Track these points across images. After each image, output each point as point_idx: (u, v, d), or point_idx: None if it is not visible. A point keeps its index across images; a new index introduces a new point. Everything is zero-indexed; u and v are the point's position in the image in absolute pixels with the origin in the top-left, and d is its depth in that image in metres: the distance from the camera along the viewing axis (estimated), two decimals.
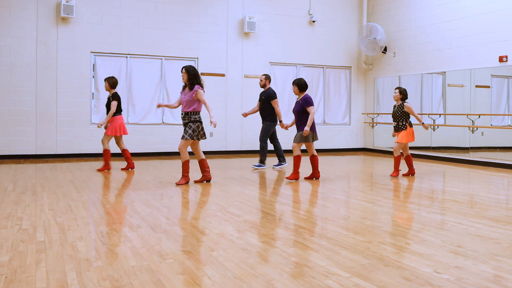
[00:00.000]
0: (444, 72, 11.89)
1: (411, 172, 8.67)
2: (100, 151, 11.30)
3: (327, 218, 5.25)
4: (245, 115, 9.71)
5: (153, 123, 11.94)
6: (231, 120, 12.62)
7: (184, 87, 7.32)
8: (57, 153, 11.01)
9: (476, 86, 11.27)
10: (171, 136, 11.89)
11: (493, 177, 9.04)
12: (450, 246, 4.13)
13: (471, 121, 10.94)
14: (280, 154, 9.59)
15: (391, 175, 8.53)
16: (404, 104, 8.36)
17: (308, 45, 13.45)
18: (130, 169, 9.10)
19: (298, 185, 7.63)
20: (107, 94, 11.48)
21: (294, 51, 13.30)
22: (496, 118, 11.33)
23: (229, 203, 6.02)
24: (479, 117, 10.85)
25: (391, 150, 13.11)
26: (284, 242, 4.24)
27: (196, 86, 7.12)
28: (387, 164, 10.74)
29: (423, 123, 8.57)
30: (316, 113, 13.75)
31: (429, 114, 12.13)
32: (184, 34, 12.10)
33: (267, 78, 9.45)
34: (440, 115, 12.05)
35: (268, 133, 9.34)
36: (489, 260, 3.72)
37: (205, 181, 7.58)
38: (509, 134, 11.33)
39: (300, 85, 7.90)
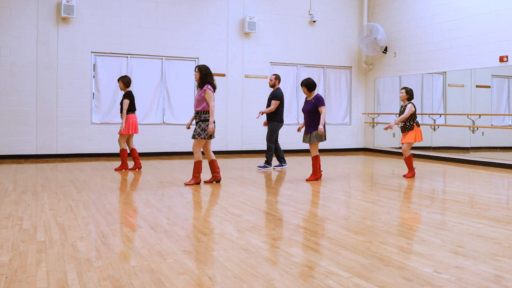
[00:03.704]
0: (445, 72, 11.88)
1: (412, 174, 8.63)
2: (100, 151, 11.39)
3: (327, 218, 5.25)
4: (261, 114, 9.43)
5: (153, 123, 11.94)
6: (231, 120, 12.62)
7: (197, 86, 7.40)
8: (57, 153, 11.02)
9: (477, 86, 11.27)
10: (171, 136, 11.92)
11: (493, 177, 9.04)
12: (450, 246, 4.13)
13: (472, 121, 10.94)
14: (281, 155, 9.58)
15: (405, 176, 8.53)
16: (408, 105, 8.36)
17: (309, 45, 13.45)
18: (137, 169, 9.08)
19: (298, 185, 7.63)
20: (109, 93, 11.57)
21: (294, 51, 13.30)
22: (497, 118, 11.32)
23: (230, 203, 6.02)
24: (480, 117, 10.84)
25: (392, 150, 13.16)
26: (285, 242, 4.24)
27: (206, 85, 7.15)
28: (388, 164, 10.74)
29: (392, 124, 8.42)
30: None
31: (429, 114, 12.13)
32: (184, 34, 12.10)
33: (277, 78, 9.39)
34: (440, 115, 12.05)
35: (275, 133, 9.31)
36: (489, 260, 3.72)
37: (214, 182, 7.59)
38: (509, 134, 11.32)
39: (309, 85, 7.94)
